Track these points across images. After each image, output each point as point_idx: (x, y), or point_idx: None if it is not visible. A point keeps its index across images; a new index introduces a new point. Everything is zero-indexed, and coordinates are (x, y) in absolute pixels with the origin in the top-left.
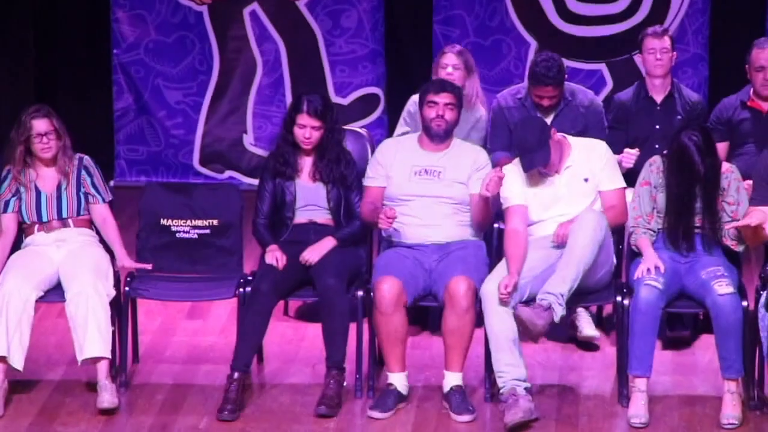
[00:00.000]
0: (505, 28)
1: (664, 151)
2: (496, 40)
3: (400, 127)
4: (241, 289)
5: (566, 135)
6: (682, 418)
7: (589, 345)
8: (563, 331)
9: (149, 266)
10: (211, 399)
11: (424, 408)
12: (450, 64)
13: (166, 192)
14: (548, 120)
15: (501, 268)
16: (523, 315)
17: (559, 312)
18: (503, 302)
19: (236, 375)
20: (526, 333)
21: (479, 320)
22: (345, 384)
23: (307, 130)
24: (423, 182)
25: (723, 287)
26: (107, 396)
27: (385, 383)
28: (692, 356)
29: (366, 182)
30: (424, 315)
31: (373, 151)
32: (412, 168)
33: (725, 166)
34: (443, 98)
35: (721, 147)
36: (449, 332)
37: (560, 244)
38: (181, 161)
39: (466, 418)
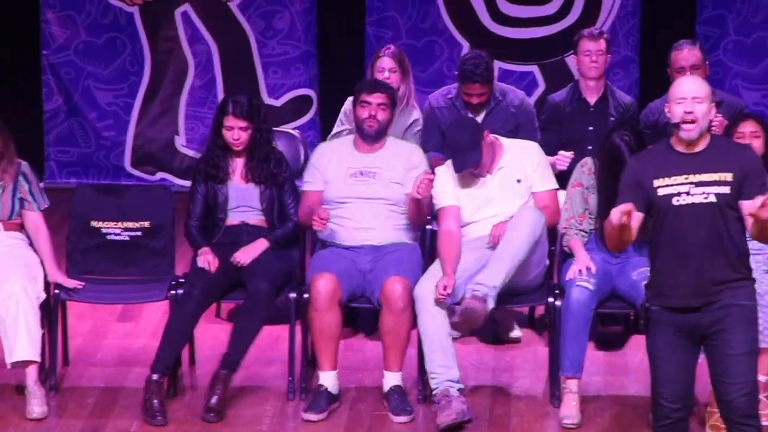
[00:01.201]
0: (438, 29)
1: (597, 154)
2: (429, 41)
3: (337, 127)
4: (173, 292)
5: (499, 136)
6: (614, 419)
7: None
8: (496, 333)
9: (80, 284)
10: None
11: (357, 409)
12: (386, 68)
13: (97, 194)
14: (479, 119)
15: (435, 269)
16: (463, 304)
17: (491, 304)
18: (440, 303)
19: (155, 377)
20: (464, 325)
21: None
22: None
23: (235, 131)
24: (359, 184)
25: None
26: (36, 406)
27: (316, 384)
28: (623, 357)
29: (304, 187)
30: (357, 317)
31: (306, 153)
32: (348, 170)
33: None
34: (376, 98)
35: None
36: (387, 333)
37: (495, 244)
38: (113, 163)
39: (403, 419)
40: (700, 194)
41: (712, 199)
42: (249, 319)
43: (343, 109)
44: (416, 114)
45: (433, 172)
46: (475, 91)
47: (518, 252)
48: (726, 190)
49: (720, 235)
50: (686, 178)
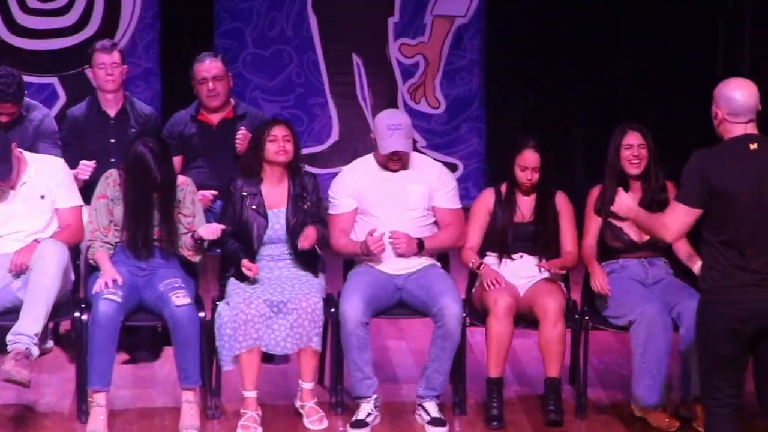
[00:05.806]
0: None
1: (122, 165)
2: None
3: None
4: None
5: (22, 150)
6: (142, 431)
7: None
8: None
9: None
10: None
11: None
12: None
13: None
14: None
15: None
16: (9, 370)
17: (36, 353)
18: None
19: None
20: (16, 383)
21: None
22: None
23: None
24: None
25: (180, 299)
26: None
27: None
28: (151, 369)
29: None
30: None
31: None
32: None
33: (181, 179)
34: None
35: (176, 161)
36: None
37: (16, 273)
38: None
39: None
40: None
41: None
42: None
43: None
44: None
45: None
46: (7, 110)
47: (50, 292)
48: None
49: None
50: None
